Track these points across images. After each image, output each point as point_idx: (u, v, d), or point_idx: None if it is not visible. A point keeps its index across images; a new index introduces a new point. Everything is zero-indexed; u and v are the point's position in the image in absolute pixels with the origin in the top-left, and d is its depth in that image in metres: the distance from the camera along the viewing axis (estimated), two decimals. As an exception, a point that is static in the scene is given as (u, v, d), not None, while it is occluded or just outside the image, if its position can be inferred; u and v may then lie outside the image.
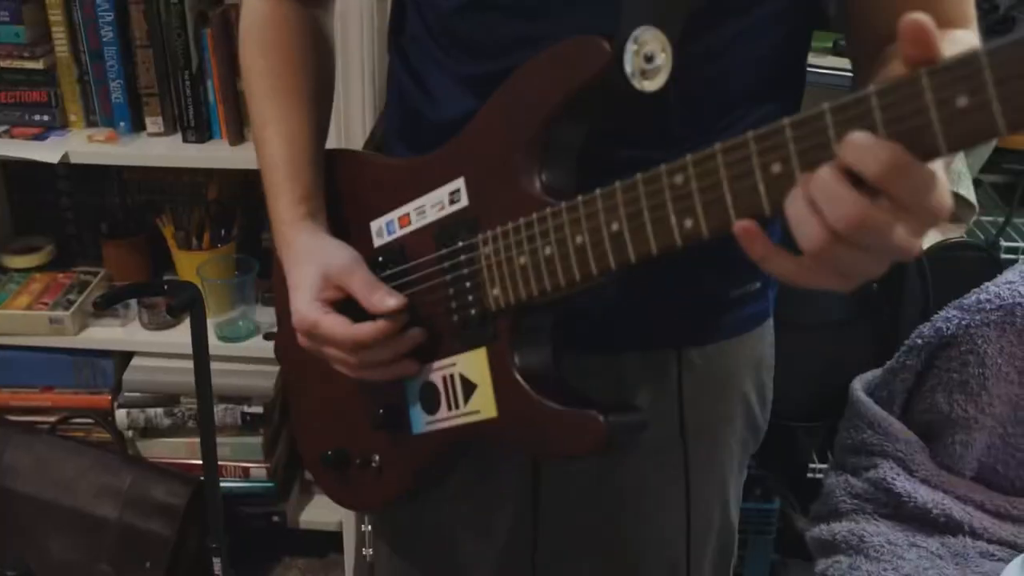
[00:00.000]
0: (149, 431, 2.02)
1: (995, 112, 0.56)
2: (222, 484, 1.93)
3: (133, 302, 1.99)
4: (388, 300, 0.89)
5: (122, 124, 1.89)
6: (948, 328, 1.41)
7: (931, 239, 1.72)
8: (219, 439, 1.95)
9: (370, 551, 1.12)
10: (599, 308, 0.91)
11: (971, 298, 1.42)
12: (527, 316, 0.85)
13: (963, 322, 1.40)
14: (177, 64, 1.82)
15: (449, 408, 0.91)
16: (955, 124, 0.58)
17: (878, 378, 1.52)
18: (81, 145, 1.86)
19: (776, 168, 0.65)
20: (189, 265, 1.95)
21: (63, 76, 1.88)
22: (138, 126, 1.89)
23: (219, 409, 1.98)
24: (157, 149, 1.87)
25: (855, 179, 0.61)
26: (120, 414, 2.00)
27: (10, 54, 1.87)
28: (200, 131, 1.86)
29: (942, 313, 1.44)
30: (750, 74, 0.88)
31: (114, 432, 2.00)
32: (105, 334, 1.99)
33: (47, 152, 1.83)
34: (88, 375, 2.02)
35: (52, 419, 2.02)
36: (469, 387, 0.89)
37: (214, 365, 1.71)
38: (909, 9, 0.75)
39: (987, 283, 1.42)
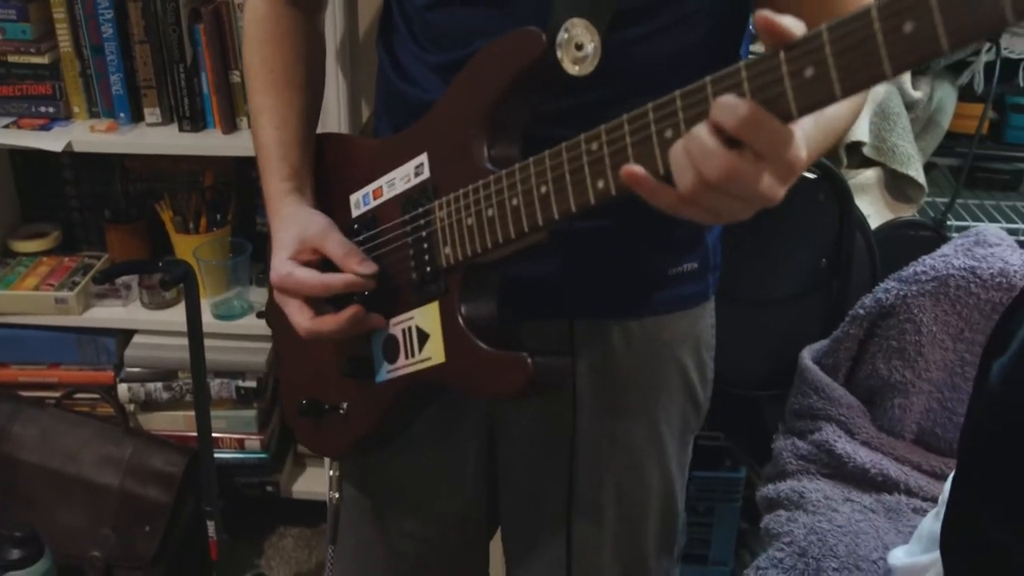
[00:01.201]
0: (149, 404, 2.14)
1: (833, 80, 0.67)
2: (218, 455, 2.05)
3: (134, 283, 2.11)
4: (363, 265, 1.00)
5: (122, 115, 2.00)
6: (887, 299, 1.51)
7: (883, 217, 1.82)
8: (215, 412, 2.06)
9: (335, 495, 1.23)
10: (551, 279, 1.02)
11: (908, 270, 1.51)
12: (474, 273, 0.96)
13: (901, 292, 1.50)
14: (173, 58, 1.93)
15: (406, 356, 1.02)
16: (803, 90, 0.68)
17: (825, 347, 1.61)
18: (83, 135, 1.97)
19: (668, 133, 0.75)
20: (186, 248, 2.06)
21: (67, 70, 1.99)
22: (137, 117, 2.00)
23: (215, 383, 2.09)
24: (155, 138, 1.98)
25: (728, 141, 0.71)
26: (122, 388, 2.11)
27: (17, 49, 1.98)
28: (195, 121, 1.97)
29: (882, 284, 1.53)
30: (678, 63, 0.96)
31: (116, 406, 2.11)
32: (108, 313, 2.10)
33: (51, 141, 1.94)
34: (92, 352, 2.13)
35: (58, 394, 2.13)
36: (423, 337, 0.99)
37: (210, 342, 1.83)
38: (808, 9, 0.88)
39: (924, 256, 1.52)
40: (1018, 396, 1.00)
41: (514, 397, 1.02)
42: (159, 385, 2.11)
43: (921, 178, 1.80)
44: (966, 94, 1.90)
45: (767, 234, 1.67)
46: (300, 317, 1.02)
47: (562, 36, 0.87)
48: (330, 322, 1.01)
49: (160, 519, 2.03)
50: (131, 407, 2.14)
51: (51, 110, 2.02)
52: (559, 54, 0.87)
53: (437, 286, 0.97)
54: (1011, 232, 1.83)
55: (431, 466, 1.19)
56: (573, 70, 0.88)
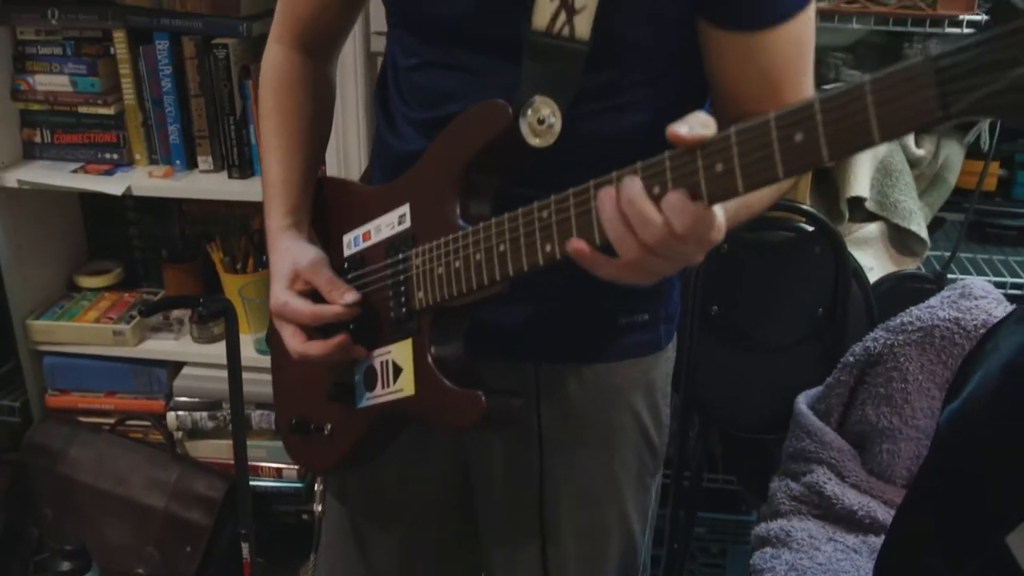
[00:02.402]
0: (195, 432, 2.28)
1: (737, 176, 0.77)
2: (257, 483, 2.19)
3: (186, 319, 2.27)
4: (347, 295, 1.11)
5: (178, 162, 2.17)
6: (875, 347, 1.58)
7: (886, 270, 1.89)
8: (255, 442, 2.21)
9: (319, 507, 1.35)
10: (510, 324, 1.13)
11: (896, 320, 1.58)
12: (444, 316, 1.07)
13: (888, 341, 1.57)
14: (224, 111, 2.10)
15: (383, 386, 1.13)
16: (713, 183, 0.78)
17: (819, 393, 1.68)
18: (142, 180, 2.14)
19: None
20: (233, 286, 2.21)
21: (130, 120, 2.17)
22: (191, 164, 2.17)
23: (256, 415, 2.23)
24: (206, 184, 2.14)
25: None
26: (170, 417, 2.26)
27: (86, 101, 2.17)
28: (243, 169, 2.13)
29: (871, 334, 1.60)
30: (636, 135, 1.05)
31: (165, 433, 2.26)
32: (160, 346, 2.26)
33: (113, 185, 2.12)
34: (145, 382, 2.29)
35: (112, 420, 2.29)
36: (398, 370, 1.11)
37: (253, 375, 1.97)
38: (752, 102, 1.00)
39: (911, 307, 1.58)
40: (960, 440, 1.07)
41: (469, 430, 1.13)
42: (204, 414, 2.26)
43: (923, 233, 1.86)
44: (974, 152, 1.97)
45: (767, 285, 1.76)
46: (293, 341, 1.14)
47: (527, 111, 0.98)
48: (319, 347, 1.12)
49: (200, 540, 2.16)
50: (179, 434, 2.29)
51: (115, 157, 2.20)
52: (523, 127, 0.98)
53: (411, 325, 1.08)
54: (1017, 286, 1.89)
55: (408, 484, 1.29)
56: (535, 142, 0.98)
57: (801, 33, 1.01)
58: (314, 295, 1.14)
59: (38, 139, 2.22)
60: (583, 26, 0.96)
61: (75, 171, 2.19)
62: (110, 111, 2.17)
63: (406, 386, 1.10)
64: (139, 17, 2.08)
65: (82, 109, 2.18)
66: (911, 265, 1.90)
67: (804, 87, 1.04)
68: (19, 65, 2.18)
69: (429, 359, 1.07)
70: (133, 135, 2.18)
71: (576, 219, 0.88)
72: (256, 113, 2.07)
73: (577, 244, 0.86)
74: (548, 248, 0.91)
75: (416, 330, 1.08)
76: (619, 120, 1.05)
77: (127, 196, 2.14)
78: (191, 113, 2.12)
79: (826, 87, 1.82)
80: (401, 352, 1.10)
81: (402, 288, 1.09)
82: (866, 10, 1.76)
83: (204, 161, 2.15)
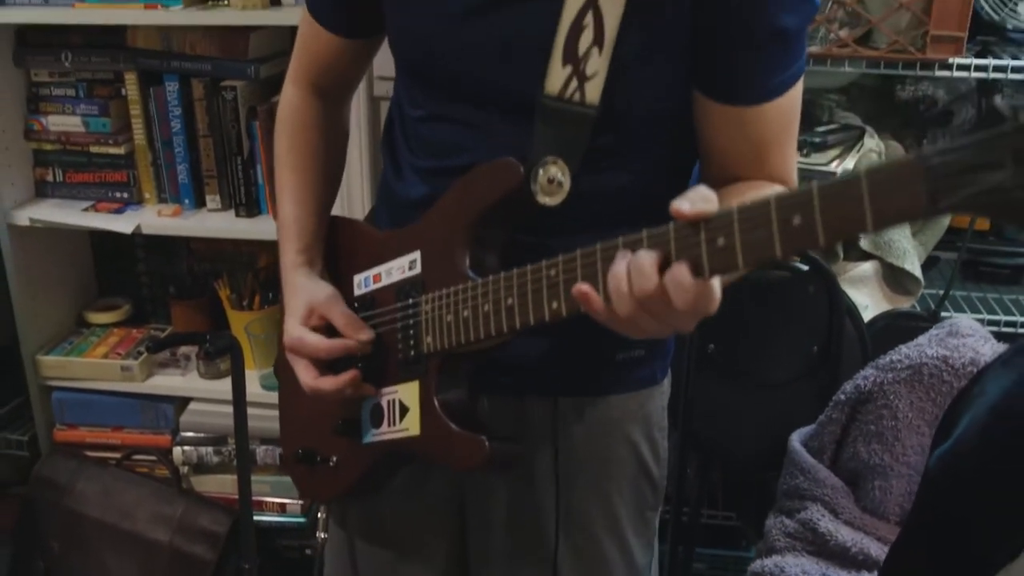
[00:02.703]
0: (201, 467, 2.31)
1: (738, 252, 0.80)
2: (261, 518, 2.21)
3: (193, 355, 2.30)
4: (362, 332, 1.15)
5: (186, 201, 2.21)
6: (866, 385, 1.60)
7: (881, 308, 1.91)
8: (260, 477, 2.24)
9: (322, 534, 1.38)
10: (505, 358, 1.16)
11: (885, 358, 1.61)
12: (451, 361, 1.10)
13: (878, 379, 1.59)
14: (232, 151, 2.14)
15: (389, 424, 1.16)
16: (714, 256, 0.81)
17: (812, 430, 1.71)
18: (151, 218, 2.19)
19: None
20: (240, 323, 2.25)
21: (140, 160, 2.22)
22: (200, 203, 2.21)
23: (261, 450, 2.26)
24: (214, 223, 2.18)
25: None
26: (176, 451, 2.29)
27: (97, 141, 2.22)
28: (250, 207, 2.17)
29: (862, 372, 1.63)
30: (638, 192, 1.11)
31: (171, 467, 2.29)
32: (168, 381, 2.30)
33: (123, 224, 2.16)
34: (152, 417, 2.33)
35: (119, 455, 2.32)
36: (404, 409, 1.14)
37: (258, 411, 2.00)
38: (740, 165, 1.05)
39: (900, 345, 1.61)
40: (950, 482, 1.09)
41: (472, 471, 1.16)
42: (210, 449, 2.29)
43: (917, 271, 1.89)
44: (968, 192, 1.99)
45: (763, 323, 1.79)
46: (306, 376, 1.17)
47: (538, 171, 1.02)
48: (331, 382, 1.15)
49: (204, 575, 2.18)
50: (184, 469, 2.32)
51: (125, 195, 2.25)
52: (534, 187, 1.02)
53: (419, 368, 1.12)
54: (1010, 324, 1.91)
55: (406, 514, 1.32)
56: (545, 200, 1.03)
57: (790, 106, 1.06)
58: (327, 331, 1.17)
59: (50, 178, 2.28)
60: (593, 93, 1.00)
61: (86, 209, 2.24)
62: (120, 151, 2.22)
63: (412, 426, 1.13)
64: (150, 60, 2.13)
65: (93, 149, 2.23)
66: (906, 303, 1.93)
67: (789, 152, 1.09)
68: (32, 106, 2.24)
69: (435, 402, 1.10)
70: (143, 174, 2.23)
71: (583, 280, 0.92)
72: (263, 153, 2.12)
73: (582, 288, 0.90)
74: (555, 305, 0.94)
75: (423, 373, 1.11)
76: (621, 176, 1.09)
77: (136, 234, 2.18)
78: (200, 153, 2.17)
79: (819, 128, 1.85)
80: (408, 393, 1.14)
81: (411, 332, 1.12)
82: (857, 54, 1.80)
83: (212, 200, 2.20)
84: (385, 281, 1.18)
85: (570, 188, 1.02)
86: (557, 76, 1.01)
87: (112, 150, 2.22)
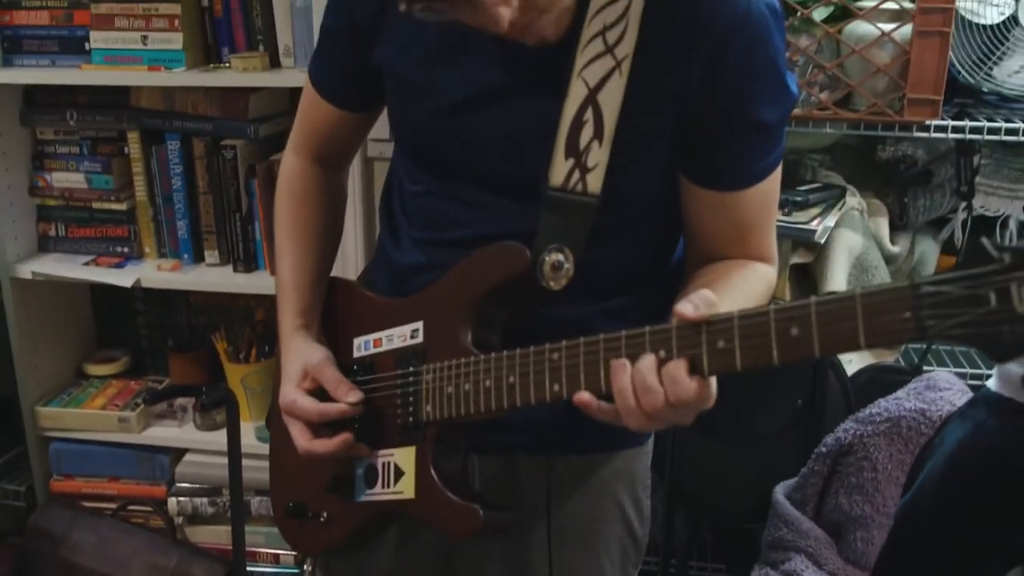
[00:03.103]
0: (195, 518, 2.33)
1: (736, 356, 0.85)
2: (255, 569, 2.23)
3: (190, 406, 2.34)
4: (350, 395, 1.18)
5: (186, 256, 2.26)
6: (846, 438, 1.64)
7: (865, 361, 1.95)
8: (254, 528, 2.26)
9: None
10: (500, 419, 1.20)
11: (865, 411, 1.64)
12: (449, 430, 1.13)
13: (858, 432, 1.63)
14: (231, 208, 2.20)
15: (383, 486, 1.19)
16: (714, 358, 0.87)
17: (795, 483, 1.74)
18: (151, 273, 2.23)
19: (612, 362, 0.94)
20: (236, 375, 2.29)
21: (141, 216, 2.27)
22: (199, 258, 2.26)
23: (255, 501, 2.29)
24: (212, 277, 2.23)
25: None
26: (171, 502, 2.32)
27: (100, 197, 2.28)
28: (248, 263, 2.22)
29: (842, 424, 1.66)
30: (633, 268, 1.18)
31: (166, 518, 2.31)
32: (164, 432, 2.33)
33: (123, 278, 2.21)
34: (148, 467, 2.35)
35: (115, 505, 2.34)
36: (399, 473, 1.17)
37: (254, 462, 2.03)
38: (723, 244, 1.12)
39: (879, 399, 1.65)
40: (911, 529, 1.13)
41: (465, 538, 1.18)
42: (205, 500, 2.31)
43: (899, 326, 1.93)
44: (948, 247, 2.05)
45: (748, 378, 1.81)
46: (301, 438, 1.20)
47: (543, 257, 1.06)
48: (324, 445, 1.18)
49: (198, 625, 2.20)
50: (179, 520, 2.34)
51: (125, 250, 2.30)
52: (539, 272, 1.06)
53: (417, 434, 1.15)
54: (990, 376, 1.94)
55: (397, 569, 1.34)
56: (550, 286, 1.07)
57: (770, 189, 1.11)
58: (321, 393, 1.20)
59: (53, 233, 2.33)
60: (595, 183, 1.05)
61: (87, 263, 2.29)
62: (122, 207, 2.27)
63: (406, 489, 1.16)
64: (153, 119, 2.20)
65: (96, 205, 2.29)
66: (889, 357, 1.97)
67: (769, 233, 1.15)
68: (37, 163, 2.30)
69: (432, 470, 1.13)
70: (143, 230, 2.28)
71: (585, 367, 0.97)
72: (261, 210, 2.18)
73: (583, 397, 0.96)
74: (556, 388, 0.99)
75: (421, 439, 1.14)
76: (618, 250, 1.15)
77: (136, 287, 2.23)
78: (199, 209, 2.22)
79: (801, 187, 1.90)
80: (404, 457, 1.17)
81: (411, 399, 1.15)
82: (838, 116, 1.86)
83: (211, 255, 2.24)
84: (386, 347, 1.21)
85: (574, 273, 1.07)
86: (560, 169, 1.06)
87: (114, 206, 2.28)
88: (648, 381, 0.90)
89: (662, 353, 0.90)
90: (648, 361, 0.91)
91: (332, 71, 1.25)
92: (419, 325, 1.17)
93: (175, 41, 2.07)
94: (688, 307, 0.88)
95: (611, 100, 1.03)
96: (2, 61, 2.18)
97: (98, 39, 2.11)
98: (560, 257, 1.06)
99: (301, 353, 1.24)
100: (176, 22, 2.07)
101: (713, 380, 0.90)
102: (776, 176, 1.12)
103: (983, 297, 0.73)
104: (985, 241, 0.74)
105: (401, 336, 1.19)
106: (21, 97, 2.26)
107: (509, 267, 1.08)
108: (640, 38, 1.02)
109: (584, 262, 1.08)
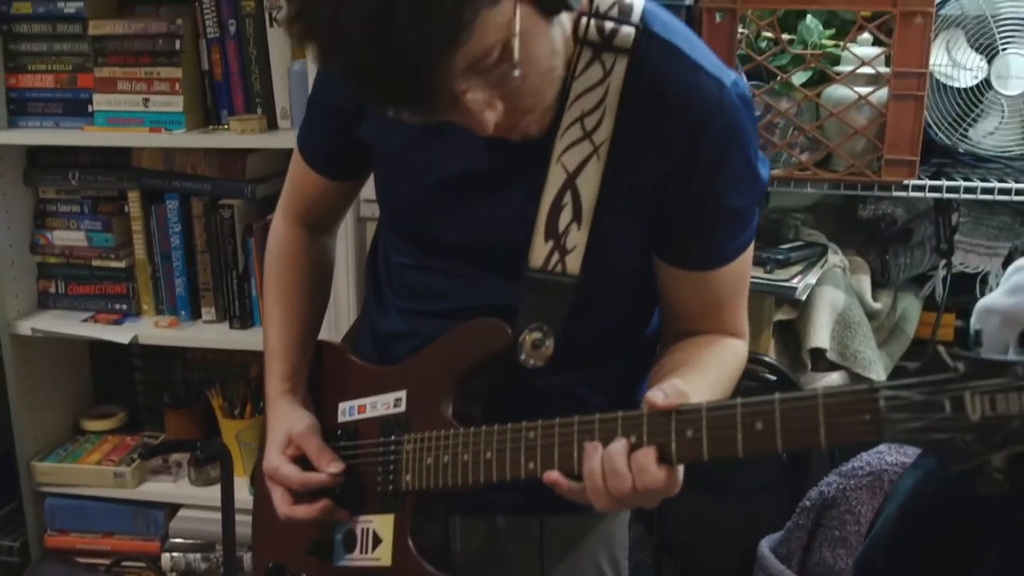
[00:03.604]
0: (188, 573, 2.34)
1: (704, 446, 0.90)
2: (247, 623, 2.22)
3: (184, 462, 2.36)
4: (332, 465, 1.21)
5: (183, 312, 2.30)
6: (829, 491, 1.66)
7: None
8: (247, 583, 2.26)
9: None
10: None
11: (848, 465, 1.67)
12: (427, 500, 1.16)
13: (841, 486, 1.65)
14: (228, 266, 2.24)
15: (361, 551, 1.22)
16: (682, 447, 0.92)
17: (780, 537, 1.76)
18: (149, 329, 2.27)
19: (585, 443, 0.99)
20: (231, 431, 2.31)
21: (139, 274, 2.32)
22: (196, 315, 2.30)
23: (248, 556, 2.28)
24: (209, 334, 2.27)
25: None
26: (165, 558, 2.33)
27: (100, 255, 2.32)
28: (244, 320, 2.26)
29: (825, 478, 1.69)
30: (608, 337, 1.22)
31: (159, 574, 2.32)
32: (159, 488, 2.35)
33: (121, 335, 2.25)
34: (143, 523, 2.37)
35: (108, 561, 2.35)
36: (377, 540, 1.20)
37: (247, 518, 2.00)
38: (696, 319, 1.17)
39: (861, 452, 1.68)
40: None
41: None
42: (198, 556, 2.32)
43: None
44: (931, 304, 2.09)
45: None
46: (282, 505, 1.23)
47: (523, 337, 1.11)
48: (305, 511, 1.21)
49: None
50: (172, 575, 2.35)
51: (124, 307, 2.35)
52: (519, 350, 1.11)
53: (396, 503, 1.17)
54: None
55: None
56: (529, 364, 1.11)
57: (741, 267, 1.16)
58: (305, 460, 1.23)
59: (52, 290, 2.38)
60: (574, 264, 1.10)
61: (85, 320, 2.33)
62: (121, 264, 2.32)
63: (383, 556, 1.18)
64: (153, 179, 2.25)
65: (95, 262, 2.33)
66: (873, 412, 1.99)
67: (740, 308, 1.19)
68: (39, 221, 2.35)
69: (409, 539, 1.16)
70: (142, 287, 2.33)
71: (559, 447, 1.01)
72: (257, 268, 2.22)
73: (553, 476, 1.00)
74: (531, 466, 1.03)
75: (400, 508, 1.17)
76: (596, 324, 1.18)
77: (134, 343, 2.26)
78: (197, 267, 2.27)
79: (783, 246, 1.94)
80: (383, 525, 1.19)
81: (391, 467, 1.18)
82: (817, 177, 1.91)
83: (208, 312, 2.28)
84: (370, 413, 1.24)
85: (553, 353, 1.11)
86: (540, 251, 1.10)
87: (113, 264, 2.32)
88: (617, 465, 0.94)
89: (633, 439, 0.94)
90: (619, 446, 0.94)
91: (319, 142, 1.29)
92: (402, 394, 1.20)
93: (176, 104, 2.14)
94: (659, 396, 0.93)
95: (589, 184, 1.08)
96: (7, 123, 2.24)
97: (101, 101, 2.18)
98: (539, 336, 1.10)
99: (286, 419, 1.26)
100: (177, 85, 2.13)
101: (680, 469, 0.94)
102: (748, 254, 1.16)
103: (939, 404, 0.77)
104: (941, 350, 0.79)
105: (385, 404, 1.22)
106: (25, 157, 2.32)
107: (490, 345, 1.12)
108: (617, 124, 1.06)
109: (566, 336, 1.11)
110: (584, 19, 1.06)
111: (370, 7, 0.85)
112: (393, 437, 1.18)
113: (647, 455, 0.92)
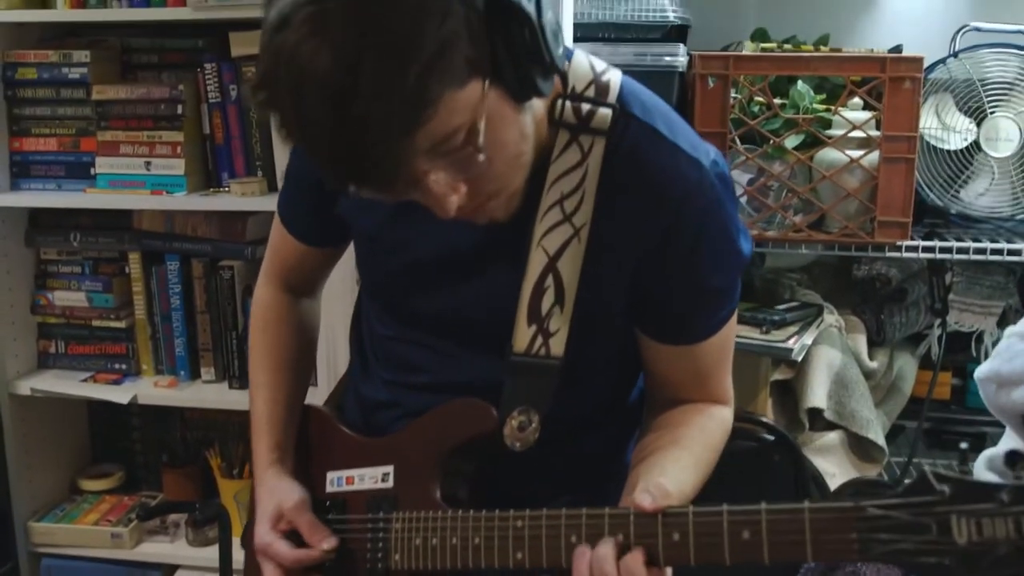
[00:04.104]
0: (183, 636, 2.33)
1: (690, 549, 0.91)
2: None
3: (182, 522, 2.35)
4: (325, 542, 1.20)
5: (182, 373, 2.31)
6: (829, 553, 1.66)
7: (848, 476, 1.98)
8: (244, 645, 2.24)
9: None
10: None
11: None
12: None
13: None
14: (227, 326, 2.25)
15: None
16: (669, 549, 0.92)
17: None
18: (148, 389, 2.28)
19: (572, 539, 1.00)
20: (229, 491, 2.31)
21: (139, 334, 2.33)
22: (195, 374, 2.31)
23: (245, 618, 2.28)
24: (208, 394, 2.27)
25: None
26: (160, 620, 2.32)
27: (100, 316, 2.33)
28: (243, 380, 2.26)
29: None
30: (594, 414, 1.23)
31: (154, 636, 2.31)
32: (157, 548, 2.34)
33: (121, 395, 2.25)
34: (139, 585, 2.36)
35: (104, 623, 2.34)
36: None
37: (244, 578, 2.03)
38: (681, 389, 1.17)
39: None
40: None
41: None
42: (193, 618, 2.31)
43: (881, 440, 1.97)
44: (927, 363, 2.11)
45: (731, 493, 1.84)
46: None
47: (509, 420, 1.10)
48: None
49: None
50: (167, 638, 2.33)
51: (123, 367, 2.35)
52: (505, 433, 1.11)
53: None
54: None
55: None
56: (515, 447, 1.11)
57: (726, 338, 1.17)
58: (296, 534, 1.22)
59: (52, 350, 2.38)
60: (558, 346, 1.10)
61: (85, 380, 2.33)
62: (121, 325, 2.33)
63: None
64: (153, 240, 2.27)
65: (96, 323, 2.34)
66: (873, 471, 2.00)
67: (725, 377, 1.20)
68: (40, 282, 2.36)
69: None
70: (141, 347, 2.33)
71: (546, 540, 1.01)
72: (256, 328, 2.23)
73: None
74: (519, 556, 1.03)
75: None
76: (582, 403, 1.20)
77: (131, 403, 2.27)
78: (196, 328, 2.28)
79: (779, 306, 1.96)
80: None
81: (380, 545, 1.17)
82: (811, 238, 1.94)
83: (207, 372, 2.29)
84: (357, 486, 1.23)
85: (539, 435, 1.10)
86: (523, 335, 1.10)
87: (113, 324, 2.33)
88: (606, 570, 0.94)
89: (620, 537, 0.95)
90: (607, 549, 0.94)
91: (298, 210, 1.30)
92: (390, 469, 1.20)
93: (177, 167, 2.16)
94: (646, 499, 0.93)
95: (571, 267, 1.08)
96: (10, 185, 2.27)
97: (103, 164, 2.20)
98: (525, 419, 1.10)
99: (276, 492, 1.25)
100: (179, 148, 2.16)
101: (669, 570, 0.95)
102: (729, 327, 1.16)
103: (925, 526, 0.77)
104: (927, 470, 0.79)
105: (372, 478, 1.21)
106: (27, 219, 2.34)
107: (476, 426, 1.12)
108: (597, 207, 1.06)
109: (553, 416, 1.11)
110: (560, 101, 1.06)
111: (332, 79, 0.84)
112: (382, 514, 1.18)
113: (635, 559, 0.92)
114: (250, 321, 1.39)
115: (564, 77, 1.05)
